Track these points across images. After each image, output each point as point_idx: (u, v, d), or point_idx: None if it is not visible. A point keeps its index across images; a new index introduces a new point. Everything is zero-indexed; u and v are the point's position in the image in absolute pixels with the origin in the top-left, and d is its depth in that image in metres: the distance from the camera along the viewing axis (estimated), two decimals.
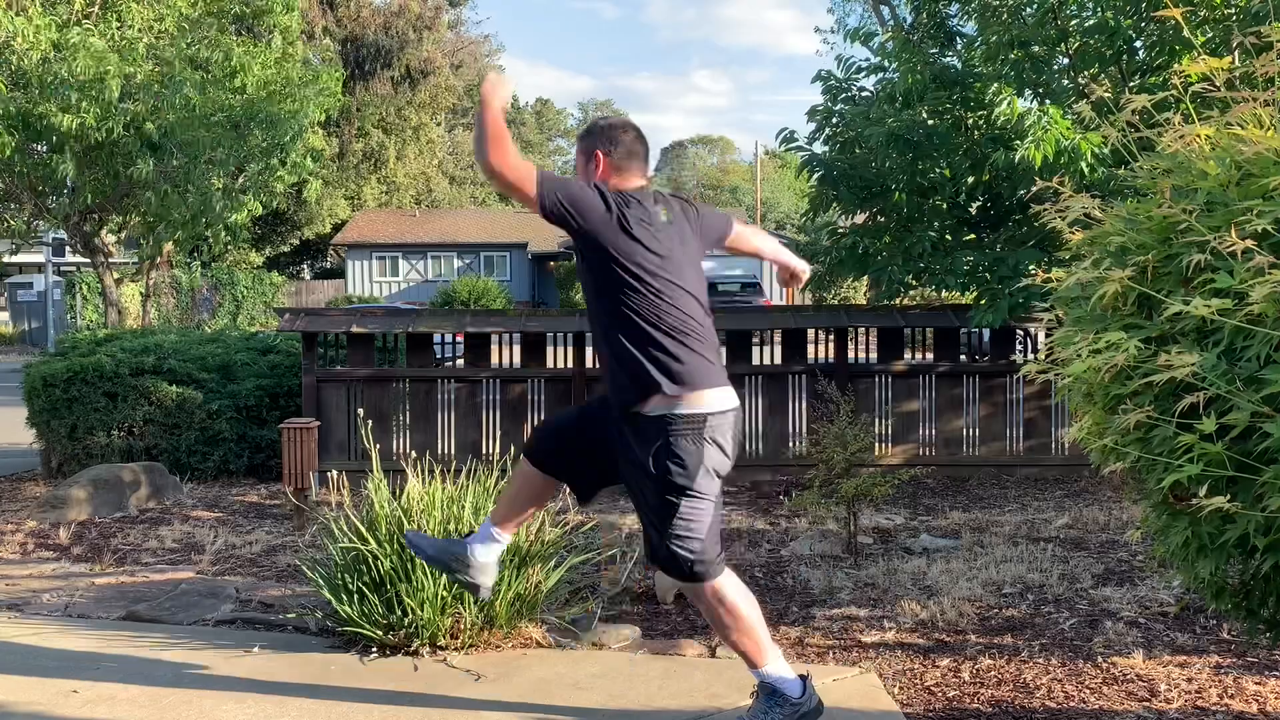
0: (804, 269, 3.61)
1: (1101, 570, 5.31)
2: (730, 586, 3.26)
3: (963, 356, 9.23)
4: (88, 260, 15.39)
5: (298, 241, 41.84)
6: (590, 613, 4.37)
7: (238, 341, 9.26)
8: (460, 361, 8.83)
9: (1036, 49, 7.62)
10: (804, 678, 3.23)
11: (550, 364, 8.52)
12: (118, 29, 12.07)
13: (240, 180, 13.77)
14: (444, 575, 3.73)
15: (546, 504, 3.73)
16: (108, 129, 11.42)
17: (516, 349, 8.49)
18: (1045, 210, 2.94)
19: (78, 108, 11.22)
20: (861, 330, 8.67)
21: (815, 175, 8.25)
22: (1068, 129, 6.85)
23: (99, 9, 12.37)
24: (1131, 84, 7.28)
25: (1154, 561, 5.24)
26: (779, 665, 3.23)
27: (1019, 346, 8.67)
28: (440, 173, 50.43)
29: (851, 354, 8.51)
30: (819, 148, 8.39)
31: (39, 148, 12.45)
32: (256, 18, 14.05)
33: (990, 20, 7.82)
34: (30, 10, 11.18)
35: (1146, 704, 3.59)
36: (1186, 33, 3.82)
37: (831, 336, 8.51)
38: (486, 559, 3.48)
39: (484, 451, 7.80)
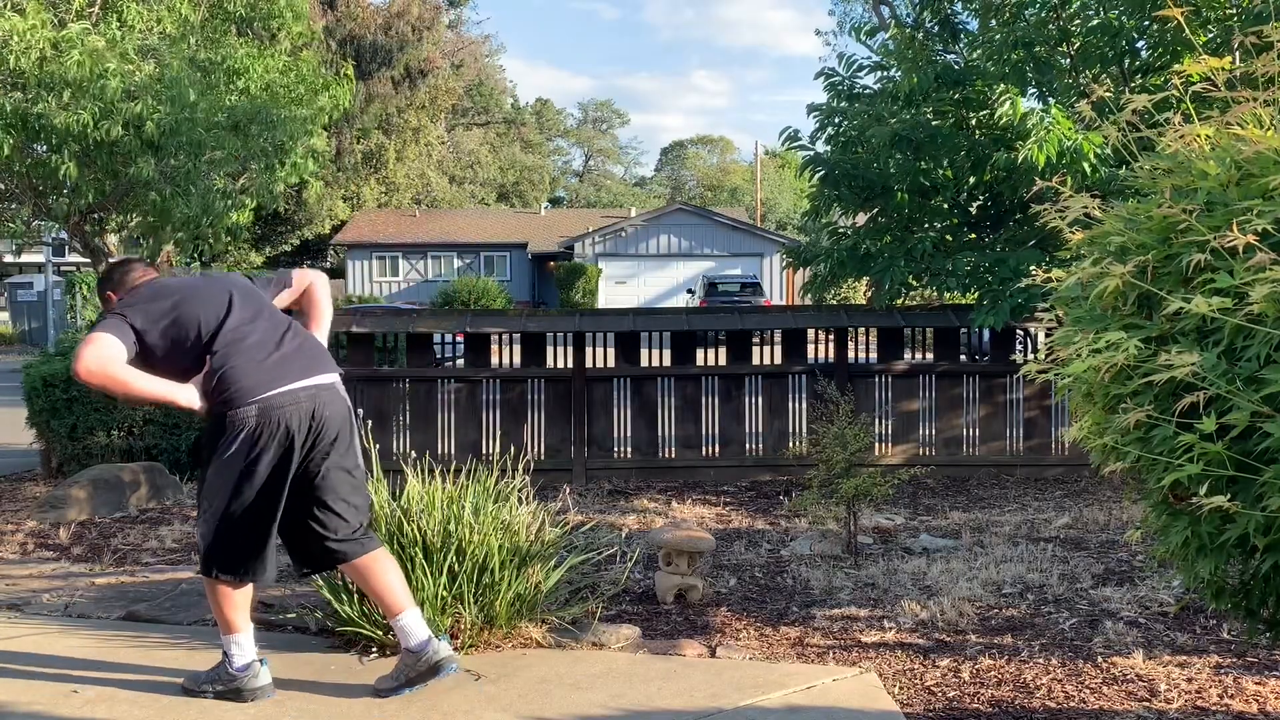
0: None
1: (1101, 570, 5.30)
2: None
3: (963, 356, 9.23)
4: (88, 260, 15.38)
5: (297, 242, 41.85)
6: (590, 613, 4.37)
7: None
8: (460, 361, 8.82)
9: (1039, 49, 7.62)
10: (261, 660, 3.68)
11: (550, 364, 8.52)
12: (118, 29, 12.06)
13: (241, 181, 13.78)
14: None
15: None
16: (107, 129, 11.41)
17: (516, 349, 8.49)
18: (1045, 210, 2.94)
19: (75, 106, 11.21)
20: (861, 330, 8.67)
21: (817, 175, 8.26)
22: (1070, 129, 6.84)
23: (99, 9, 12.36)
24: (1133, 84, 7.28)
25: (1154, 561, 5.24)
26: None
27: (1019, 346, 8.66)
28: (440, 173, 50.45)
29: (851, 354, 8.51)
30: (821, 147, 8.40)
31: (38, 148, 12.44)
32: (262, 21, 14.05)
33: (992, 19, 7.83)
34: (27, 9, 11.16)
35: (1146, 704, 3.59)
36: (1188, 33, 3.82)
37: (831, 336, 8.51)
38: None
39: (484, 451, 7.80)
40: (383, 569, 3.68)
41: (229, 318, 3.62)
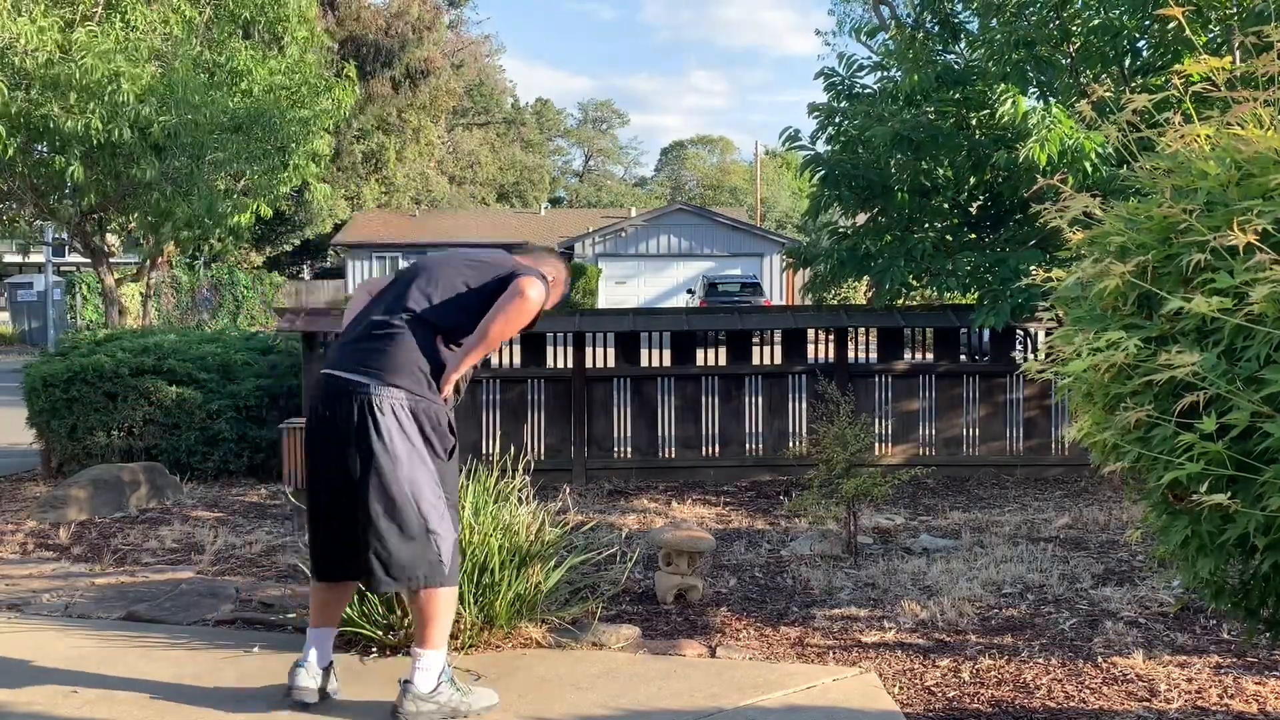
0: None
1: (1101, 570, 5.30)
2: None
3: (963, 356, 9.22)
4: (88, 260, 15.41)
5: (298, 242, 41.87)
6: (590, 613, 4.37)
7: (238, 341, 9.25)
8: None
9: (1040, 49, 7.61)
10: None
11: (550, 364, 8.52)
12: (122, 30, 12.07)
13: (242, 183, 13.80)
14: None
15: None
16: (115, 131, 11.43)
17: (516, 349, 8.48)
18: (1046, 210, 2.94)
19: (82, 108, 11.22)
20: (861, 330, 8.67)
21: (817, 175, 8.25)
22: (1072, 128, 6.83)
23: (103, 9, 12.37)
24: (1133, 84, 7.27)
25: (1154, 561, 5.24)
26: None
27: (1019, 346, 8.66)
28: (440, 173, 50.45)
29: (851, 354, 8.51)
30: (821, 147, 8.39)
31: (40, 148, 12.47)
32: (268, 26, 14.08)
33: (993, 19, 7.81)
34: (34, 11, 11.18)
35: (1146, 704, 3.59)
36: (1188, 32, 3.82)
37: (831, 336, 8.51)
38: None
39: (484, 451, 7.79)
40: None
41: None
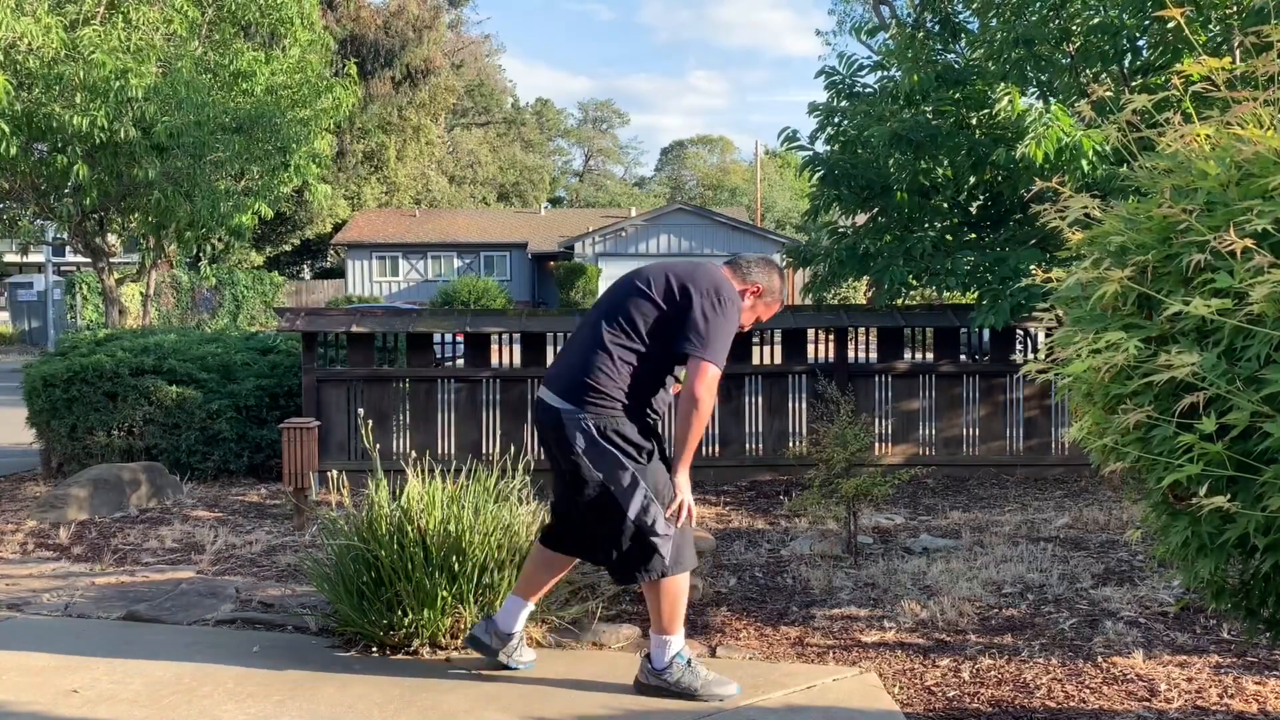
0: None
1: (1101, 570, 5.30)
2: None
3: (963, 356, 9.21)
4: (88, 260, 15.44)
5: (298, 241, 41.92)
6: (590, 613, 4.37)
7: (238, 341, 9.25)
8: (460, 361, 8.82)
9: (1039, 47, 7.61)
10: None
11: (550, 364, 8.50)
12: (123, 30, 12.09)
13: (244, 183, 13.81)
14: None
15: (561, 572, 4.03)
16: (119, 130, 11.43)
17: (516, 349, 8.48)
18: (1045, 210, 2.93)
19: (86, 107, 11.23)
20: (861, 330, 8.66)
21: (817, 175, 8.25)
22: (1069, 126, 6.83)
23: (105, 9, 12.38)
24: (1133, 83, 7.27)
25: (1154, 561, 5.24)
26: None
27: (1019, 346, 8.66)
28: (440, 172, 50.45)
29: (851, 354, 8.51)
30: (821, 147, 8.39)
31: (41, 147, 12.49)
32: (272, 28, 14.10)
33: (993, 18, 7.81)
34: (38, 10, 11.19)
35: (1146, 704, 3.59)
36: (1188, 32, 3.82)
37: (831, 336, 8.51)
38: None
39: (484, 451, 7.79)
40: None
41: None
